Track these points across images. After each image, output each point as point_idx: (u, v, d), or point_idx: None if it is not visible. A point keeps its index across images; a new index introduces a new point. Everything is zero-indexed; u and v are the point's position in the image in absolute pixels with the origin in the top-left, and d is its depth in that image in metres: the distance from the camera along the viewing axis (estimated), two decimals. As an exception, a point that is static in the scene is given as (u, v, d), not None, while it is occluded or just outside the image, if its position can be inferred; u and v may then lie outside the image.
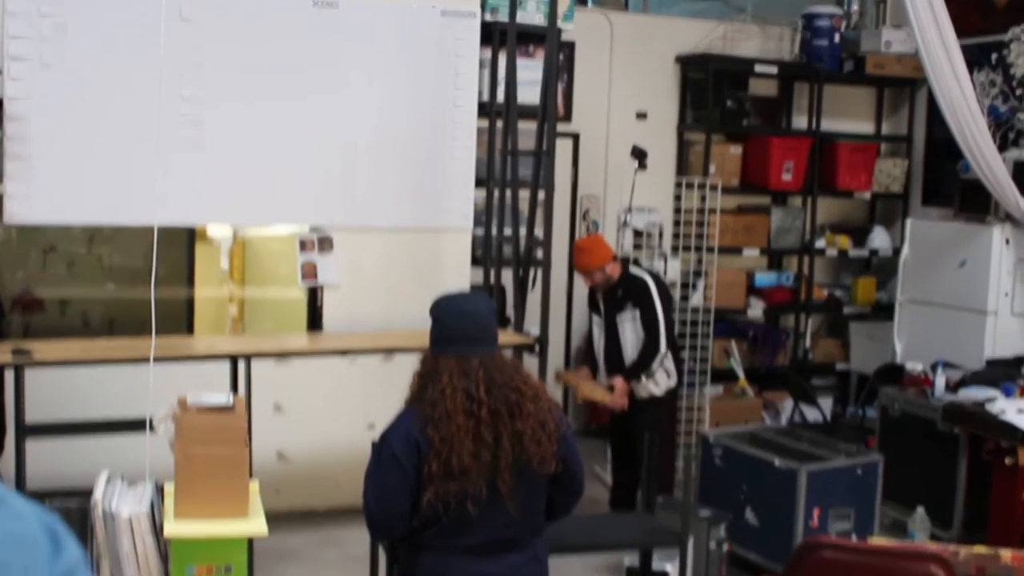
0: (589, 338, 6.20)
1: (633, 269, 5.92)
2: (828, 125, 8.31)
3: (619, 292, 5.81)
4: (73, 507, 2.86)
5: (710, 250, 7.39)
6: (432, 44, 5.92)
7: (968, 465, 5.85)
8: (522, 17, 6.61)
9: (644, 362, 5.74)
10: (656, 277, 5.94)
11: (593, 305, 6.06)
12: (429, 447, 2.98)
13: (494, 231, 6.38)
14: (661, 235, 7.57)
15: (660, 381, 5.80)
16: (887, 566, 3.15)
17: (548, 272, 5.95)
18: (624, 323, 5.81)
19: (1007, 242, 6.82)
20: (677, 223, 7.38)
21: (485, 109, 6.46)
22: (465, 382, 3.00)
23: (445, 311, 3.14)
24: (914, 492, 5.90)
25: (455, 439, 2.96)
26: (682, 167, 8.13)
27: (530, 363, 5.37)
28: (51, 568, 0.84)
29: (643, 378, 5.74)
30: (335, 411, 6.13)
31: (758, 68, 7.99)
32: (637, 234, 7.20)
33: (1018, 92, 7.54)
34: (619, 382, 5.77)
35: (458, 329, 3.08)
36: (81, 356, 5.16)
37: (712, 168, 7.80)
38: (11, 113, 5.02)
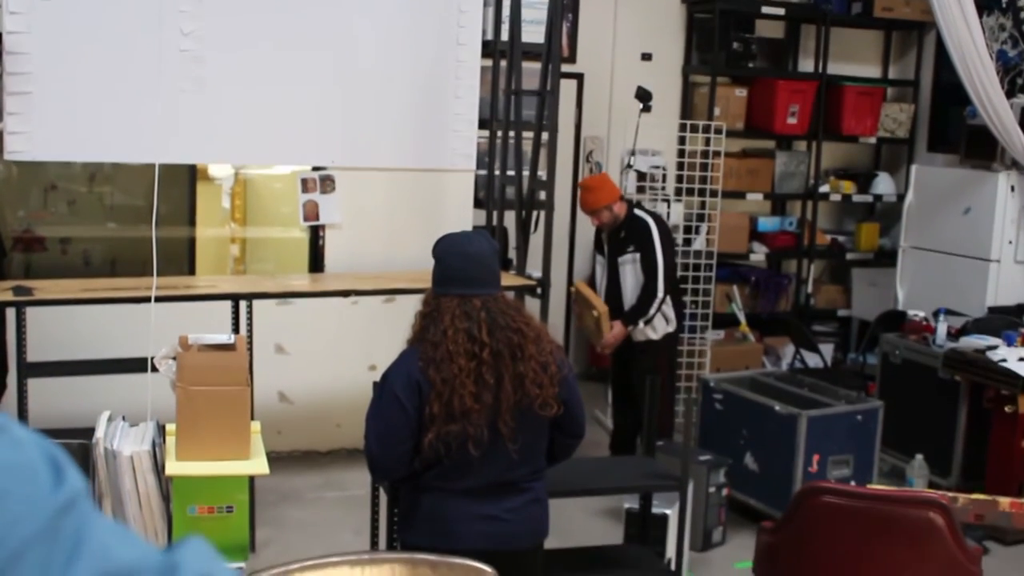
0: (592, 279, 6.19)
1: (637, 211, 5.88)
2: (835, 68, 8.23)
3: (622, 233, 5.79)
4: (74, 445, 2.85)
5: (713, 194, 7.36)
6: (436, -18, 5.84)
7: (968, 412, 5.86)
8: (527, -45, 6.52)
9: (643, 307, 5.73)
10: (659, 219, 5.90)
11: (598, 245, 6.05)
12: (431, 388, 2.98)
13: (497, 172, 6.34)
14: (664, 178, 7.52)
15: (658, 327, 5.79)
16: (887, 511, 3.16)
17: (551, 214, 5.91)
18: (625, 265, 5.79)
19: (1012, 189, 6.78)
20: (681, 166, 7.34)
21: (489, 48, 6.39)
22: (467, 323, 2.99)
23: (448, 251, 3.12)
24: (913, 439, 5.93)
25: (457, 380, 2.96)
26: (687, 110, 8.07)
27: (531, 306, 5.36)
28: (52, 498, 0.82)
29: (641, 323, 5.73)
30: (336, 352, 6.13)
31: (765, 9, 7.90)
32: (640, 177, 7.16)
33: (1028, 37, 7.46)
34: (617, 326, 5.76)
35: (461, 270, 3.07)
36: (82, 295, 5.14)
37: (717, 111, 7.74)
38: (11, 48, 4.96)
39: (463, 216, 6.31)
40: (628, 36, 7.94)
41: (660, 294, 5.69)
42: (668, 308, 5.80)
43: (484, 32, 6.23)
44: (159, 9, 5.09)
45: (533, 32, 6.37)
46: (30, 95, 5.04)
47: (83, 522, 0.83)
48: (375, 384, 3.18)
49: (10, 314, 5.26)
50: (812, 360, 7.58)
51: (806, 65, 8.37)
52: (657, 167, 7.45)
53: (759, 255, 8.17)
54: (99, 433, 2.83)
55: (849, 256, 8.54)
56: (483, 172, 6.46)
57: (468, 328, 2.99)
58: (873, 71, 8.69)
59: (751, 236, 8.14)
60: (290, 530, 5.22)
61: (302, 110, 5.62)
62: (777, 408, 5.28)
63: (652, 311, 5.71)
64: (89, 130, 5.19)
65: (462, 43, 5.92)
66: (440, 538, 3.06)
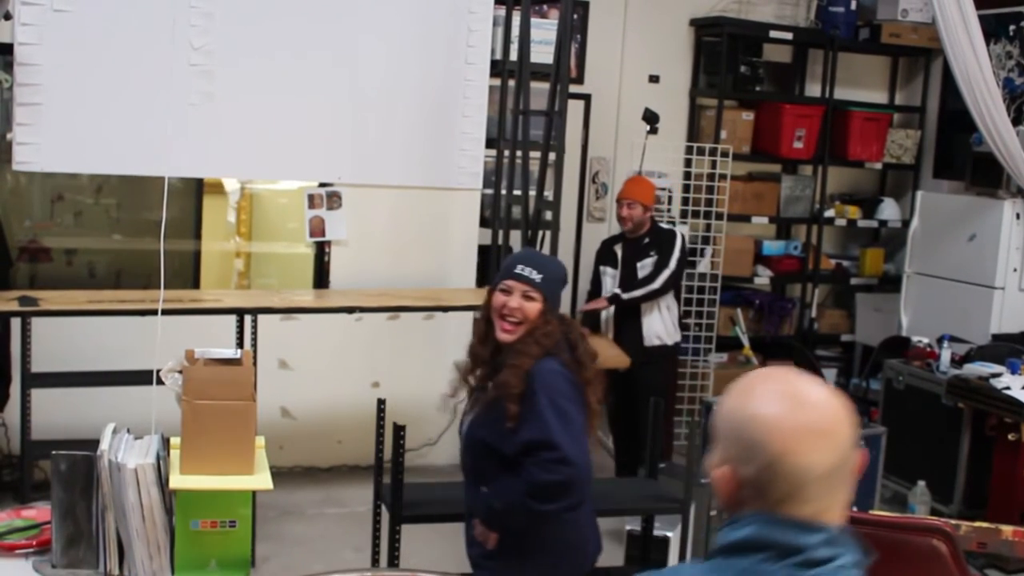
0: (596, 294, 6.16)
1: (664, 224, 6.11)
2: (841, 93, 8.25)
3: (645, 240, 5.87)
4: (78, 457, 2.85)
5: (719, 217, 7.37)
6: (446, 1, 5.86)
7: (971, 440, 5.86)
8: (537, -24, 6.56)
9: (632, 288, 5.86)
10: (683, 235, 6.09)
11: (607, 259, 6.06)
12: (585, 387, 3.15)
13: (503, 192, 6.34)
14: (670, 200, 7.53)
15: (668, 328, 5.95)
16: (891, 538, 3.15)
17: (556, 235, 5.92)
18: (644, 270, 5.88)
19: (1018, 217, 6.79)
20: (687, 188, 7.36)
21: (497, 68, 6.41)
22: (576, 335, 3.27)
23: (565, 275, 3.37)
24: (916, 465, 5.92)
25: (596, 378, 3.19)
26: (693, 132, 8.08)
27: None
28: None
29: (624, 296, 5.85)
30: (340, 368, 6.13)
31: (773, 34, 7.92)
32: (646, 199, 7.16)
33: (1035, 66, 7.48)
34: (600, 300, 6.02)
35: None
36: (88, 306, 5.15)
37: (723, 134, 7.75)
38: (22, 59, 4.98)
39: (469, 235, 6.32)
40: (636, 58, 7.96)
41: (656, 285, 5.82)
42: (673, 316, 5.92)
43: (493, 52, 6.25)
44: (170, 23, 5.11)
45: (542, 52, 6.39)
46: (40, 106, 5.05)
47: None
48: (544, 409, 3.08)
49: (15, 324, 5.27)
50: (815, 384, 7.56)
51: (813, 90, 8.38)
52: (663, 189, 7.46)
53: (763, 279, 8.17)
54: (104, 445, 2.82)
55: (853, 281, 8.53)
56: (490, 191, 6.47)
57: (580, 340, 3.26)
58: (880, 97, 8.71)
59: (755, 259, 8.14)
60: (290, 546, 5.21)
61: (310, 126, 5.63)
62: (780, 432, 5.26)
63: (638, 294, 5.83)
64: (97, 142, 5.20)
65: (471, 62, 5.93)
66: (578, 564, 3.26)
